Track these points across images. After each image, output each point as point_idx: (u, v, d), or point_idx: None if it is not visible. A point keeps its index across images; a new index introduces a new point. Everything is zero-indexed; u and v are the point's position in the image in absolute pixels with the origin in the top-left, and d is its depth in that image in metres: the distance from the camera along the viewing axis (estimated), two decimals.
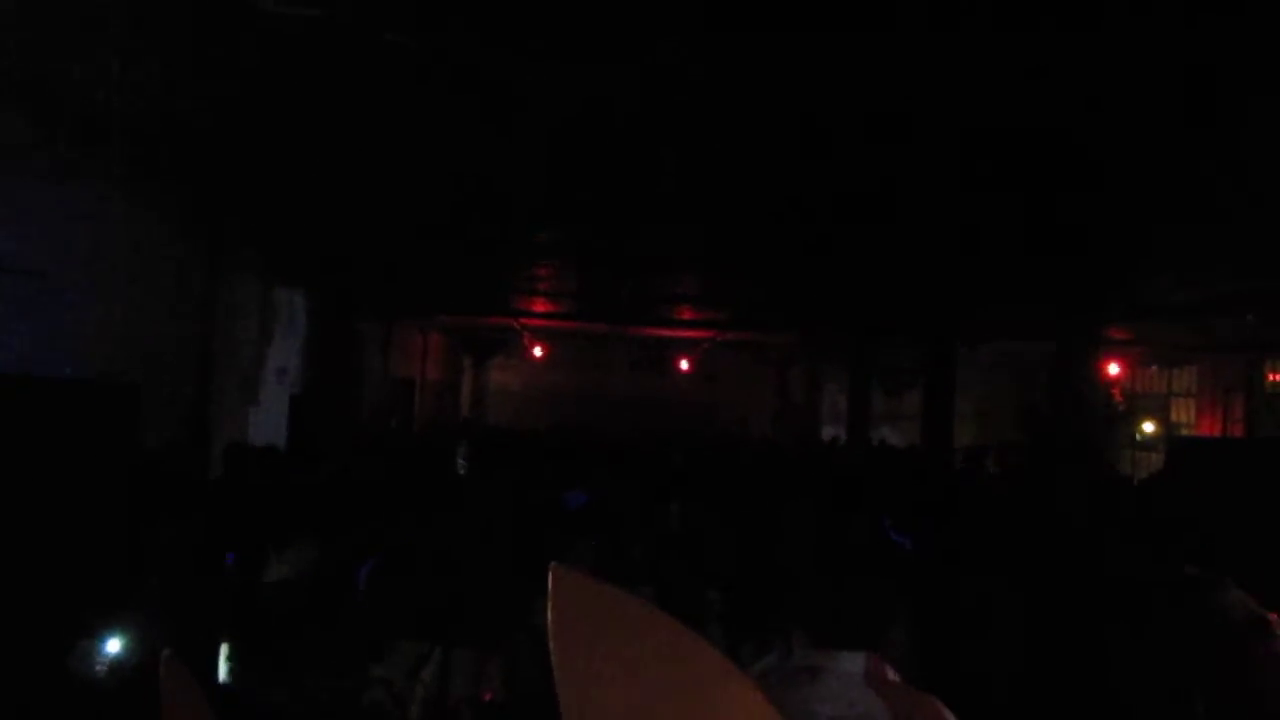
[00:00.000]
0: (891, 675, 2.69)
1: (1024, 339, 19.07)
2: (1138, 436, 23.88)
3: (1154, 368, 23.72)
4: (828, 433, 25.49)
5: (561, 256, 13.94)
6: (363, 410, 17.42)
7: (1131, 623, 4.35)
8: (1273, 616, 4.33)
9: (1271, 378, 20.83)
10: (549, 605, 0.64)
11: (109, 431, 5.84)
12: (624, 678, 0.64)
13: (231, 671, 4.84)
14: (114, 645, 4.74)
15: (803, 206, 9.73)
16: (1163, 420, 23.47)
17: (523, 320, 21.77)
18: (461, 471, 9.10)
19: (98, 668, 4.63)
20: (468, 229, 11.49)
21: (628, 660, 0.64)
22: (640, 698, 0.63)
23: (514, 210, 10.51)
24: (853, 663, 2.79)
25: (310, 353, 15.46)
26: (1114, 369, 21.14)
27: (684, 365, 26.39)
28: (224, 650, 4.88)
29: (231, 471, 8.51)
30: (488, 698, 4.74)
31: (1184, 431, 22.43)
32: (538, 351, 25.40)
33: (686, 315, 20.30)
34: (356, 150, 8.19)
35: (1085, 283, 13.13)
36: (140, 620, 4.76)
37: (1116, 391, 23.20)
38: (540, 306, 20.00)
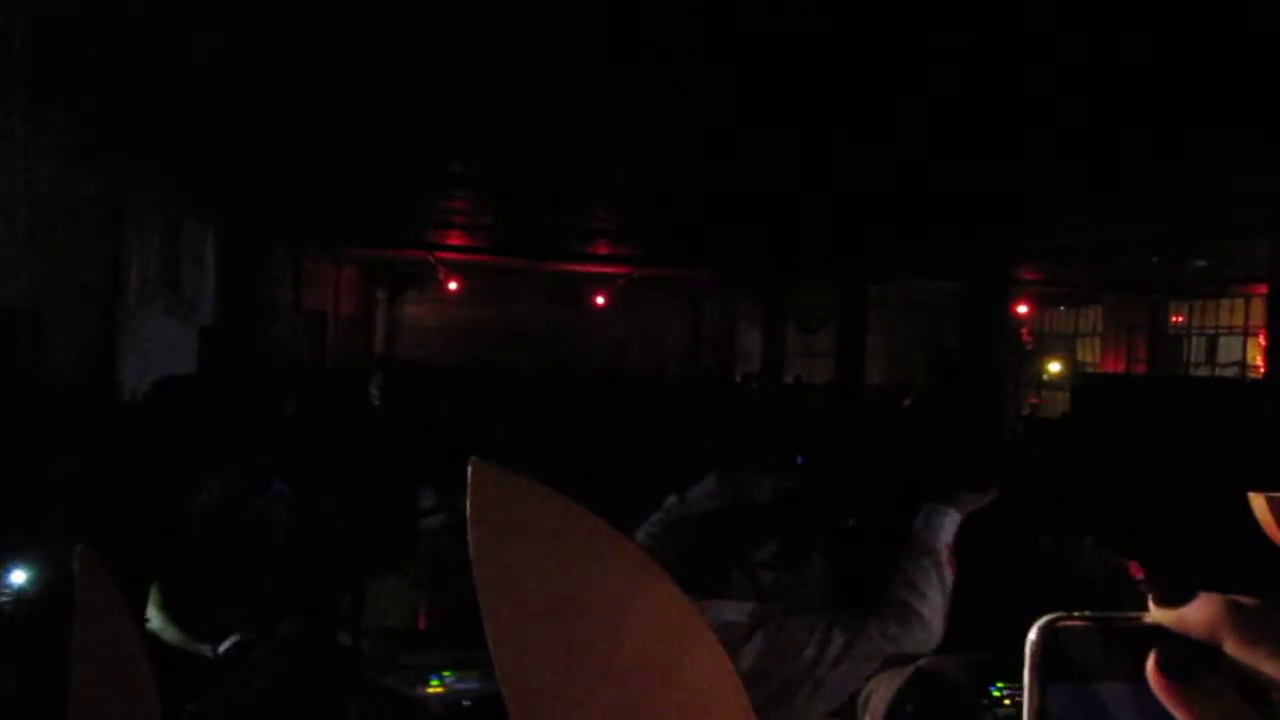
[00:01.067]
0: None
1: (935, 278, 19.31)
2: (1044, 375, 24.37)
3: (1061, 308, 24.17)
4: (743, 369, 25.67)
5: (476, 188, 13.81)
6: (273, 343, 17.19)
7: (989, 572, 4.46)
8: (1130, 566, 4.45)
9: (1173, 319, 21.34)
10: (468, 498, 0.64)
11: (8, 360, 5.72)
12: (543, 569, 0.64)
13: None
14: (18, 577, 4.66)
15: (719, 142, 9.72)
16: (1069, 359, 23.97)
17: (437, 253, 21.57)
18: (375, 402, 9.05)
19: (2, 598, 4.56)
20: (378, 157, 11.33)
21: (547, 552, 0.64)
22: (559, 589, 0.64)
23: (425, 139, 10.38)
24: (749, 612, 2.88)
25: (219, 284, 15.20)
26: (1023, 309, 21.51)
27: (599, 300, 26.36)
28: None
29: (148, 403, 8.39)
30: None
31: (1090, 370, 22.93)
32: (452, 285, 25.20)
33: (603, 250, 20.26)
34: (257, 70, 8.00)
35: (994, 223, 13.30)
36: (44, 554, 4.68)
37: (1025, 331, 23.62)
38: (455, 239, 19.83)
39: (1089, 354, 23.46)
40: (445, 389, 11.56)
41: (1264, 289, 16.49)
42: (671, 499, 3.82)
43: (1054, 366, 24.12)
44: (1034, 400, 22.76)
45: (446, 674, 4.10)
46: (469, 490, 0.62)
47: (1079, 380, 17.79)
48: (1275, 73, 6.81)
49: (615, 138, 9.90)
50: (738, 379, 23.17)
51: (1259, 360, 17.85)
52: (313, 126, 9.87)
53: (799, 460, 8.15)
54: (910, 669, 2.49)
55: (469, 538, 0.61)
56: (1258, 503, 0.66)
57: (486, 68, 7.71)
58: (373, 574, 5.10)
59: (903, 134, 8.93)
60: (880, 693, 2.49)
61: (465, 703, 3.94)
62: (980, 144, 9.12)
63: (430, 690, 4.00)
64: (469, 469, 0.63)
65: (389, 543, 5.41)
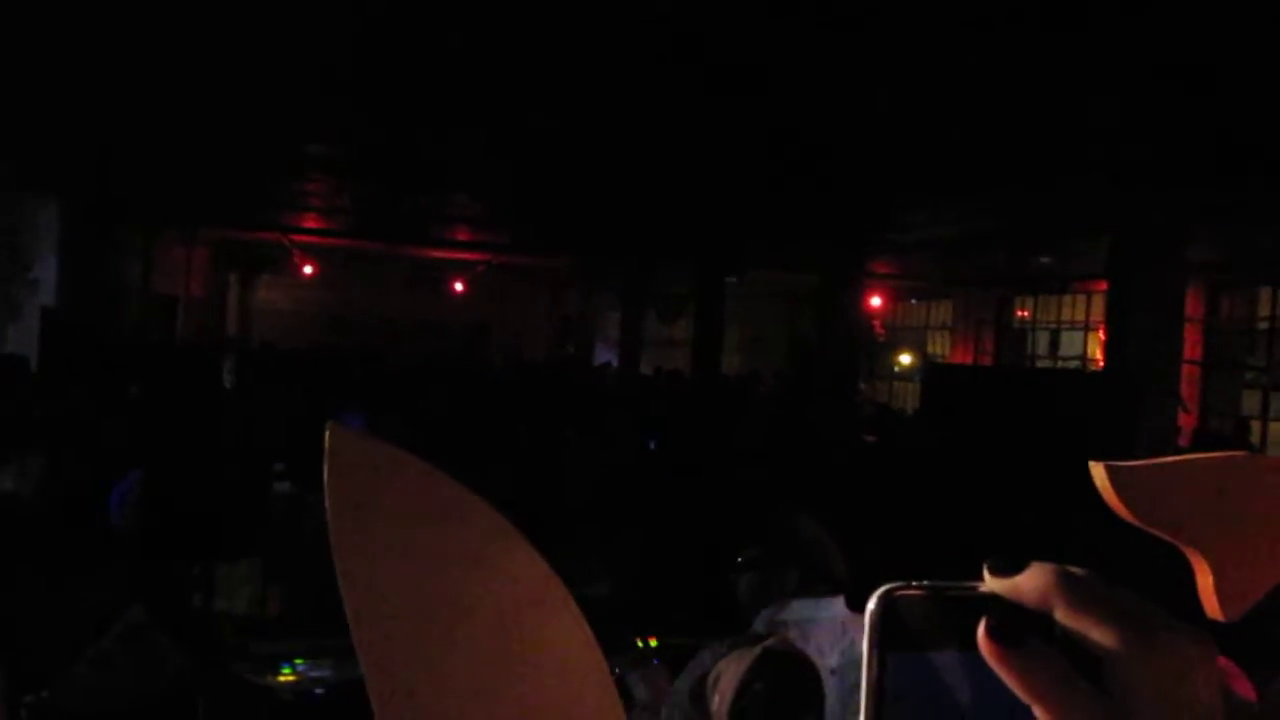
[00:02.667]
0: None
1: (791, 269, 19.59)
2: (896, 368, 24.92)
3: (913, 301, 24.74)
4: (601, 356, 25.73)
5: (333, 170, 13.58)
6: (121, 326, 16.67)
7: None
8: None
9: (1018, 313, 22.02)
10: (325, 464, 0.63)
11: None
12: (401, 534, 0.64)
13: None
14: None
15: (578, 129, 9.73)
16: (921, 351, 24.55)
17: (293, 236, 21.16)
18: (229, 385, 8.85)
19: None
20: (232, 135, 11.06)
21: (407, 518, 0.64)
22: (418, 553, 0.64)
23: (282, 119, 10.18)
24: (837, 607, 2.92)
25: (66, 265, 14.68)
26: (875, 301, 21.95)
27: (458, 287, 26.16)
28: None
29: None
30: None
31: (939, 361, 23.55)
32: (308, 269, 24.75)
33: (463, 236, 20.11)
34: (110, 41, 7.75)
35: (847, 216, 13.55)
36: None
37: (878, 323, 24.13)
38: (311, 222, 19.48)
39: (939, 347, 24.06)
40: (298, 373, 11.37)
41: (1104, 285, 17.11)
42: None
43: (905, 359, 24.69)
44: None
45: (299, 661, 4.04)
46: (326, 455, 0.62)
47: (929, 370, 18.25)
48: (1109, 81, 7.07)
49: (473, 122, 9.83)
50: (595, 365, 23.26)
51: (1099, 354, 18.50)
52: (166, 102, 9.59)
53: (650, 444, 8.23)
54: (758, 649, 2.54)
55: (326, 502, 0.60)
56: (1097, 471, 0.69)
57: (345, 47, 7.60)
58: (222, 559, 4.99)
59: (760, 125, 9.04)
60: (730, 672, 2.53)
61: (318, 690, 3.89)
62: (836, 137, 9.29)
63: (282, 679, 3.94)
64: (326, 434, 0.63)
65: (238, 526, 5.31)
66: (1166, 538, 0.69)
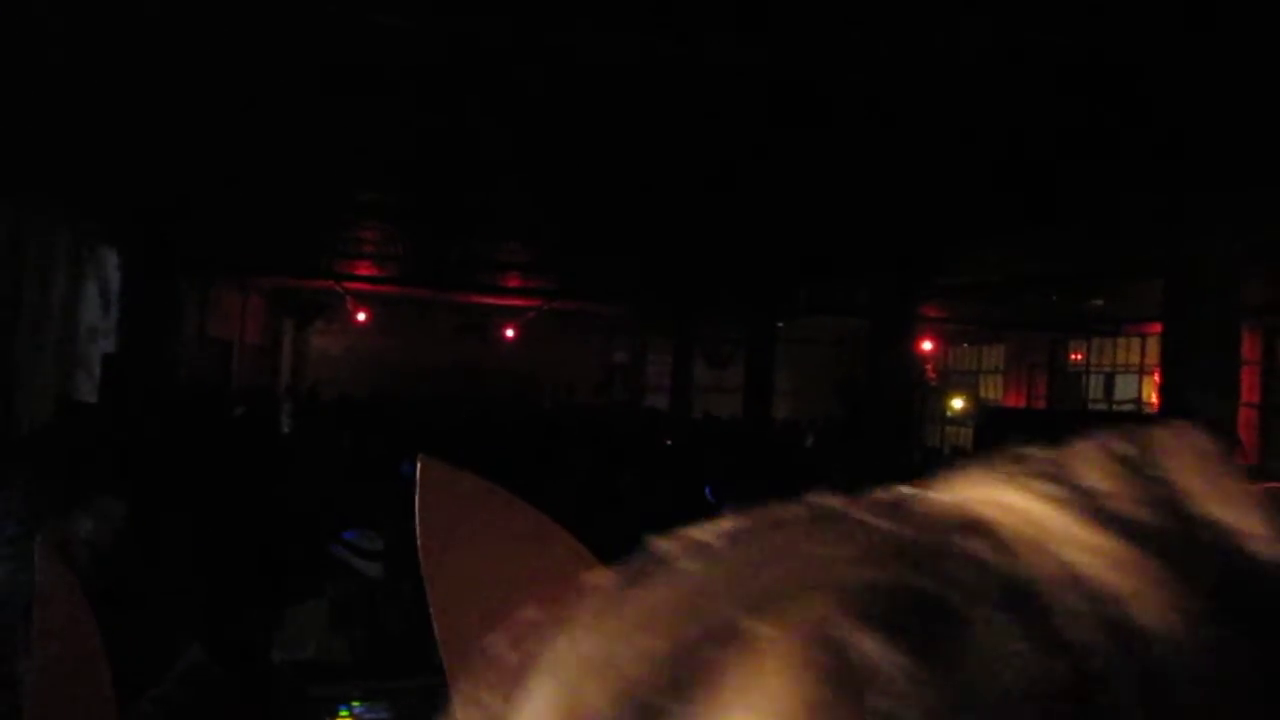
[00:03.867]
0: None
1: (842, 315, 19.57)
2: (948, 411, 24.76)
3: (965, 345, 24.60)
4: (651, 402, 25.74)
5: (386, 218, 13.75)
6: (178, 371, 16.89)
7: None
8: None
9: (1072, 356, 21.84)
10: (416, 492, 0.66)
11: None
12: (488, 562, 0.66)
13: None
14: None
15: (630, 179, 9.80)
16: (973, 395, 24.39)
17: (346, 283, 21.39)
18: (287, 429, 8.94)
19: None
20: (287, 185, 11.24)
21: (492, 545, 0.67)
22: (504, 581, 0.66)
23: (335, 168, 10.33)
24: None
25: (124, 311, 14.92)
26: (927, 345, 21.86)
27: (509, 333, 26.29)
28: None
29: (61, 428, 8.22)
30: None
31: (993, 404, 23.39)
32: (361, 316, 24.99)
33: (513, 283, 20.25)
34: (165, 96, 7.92)
35: (898, 260, 13.53)
36: None
37: (930, 367, 24.00)
38: (364, 270, 19.70)
39: (992, 390, 23.90)
40: (355, 419, 11.46)
41: (1158, 328, 16.95)
42: None
43: (957, 403, 24.52)
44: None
45: (355, 704, 4.06)
46: (418, 487, 0.65)
47: (983, 414, 18.12)
48: (1161, 124, 7.05)
49: (526, 171, 9.93)
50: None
51: (1154, 397, 18.30)
52: (221, 154, 9.77)
53: (709, 493, 8.20)
54: None
55: (417, 530, 0.63)
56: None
57: (398, 96, 7.71)
58: (284, 604, 5.03)
59: (810, 174, 9.07)
60: None
61: None
62: (885, 183, 9.30)
63: None
64: (418, 466, 0.65)
65: (300, 572, 5.35)
66: None
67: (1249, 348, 15.64)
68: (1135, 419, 17.11)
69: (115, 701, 0.98)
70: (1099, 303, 17.00)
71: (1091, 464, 0.34)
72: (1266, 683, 0.27)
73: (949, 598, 0.28)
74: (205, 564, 5.22)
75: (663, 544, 0.34)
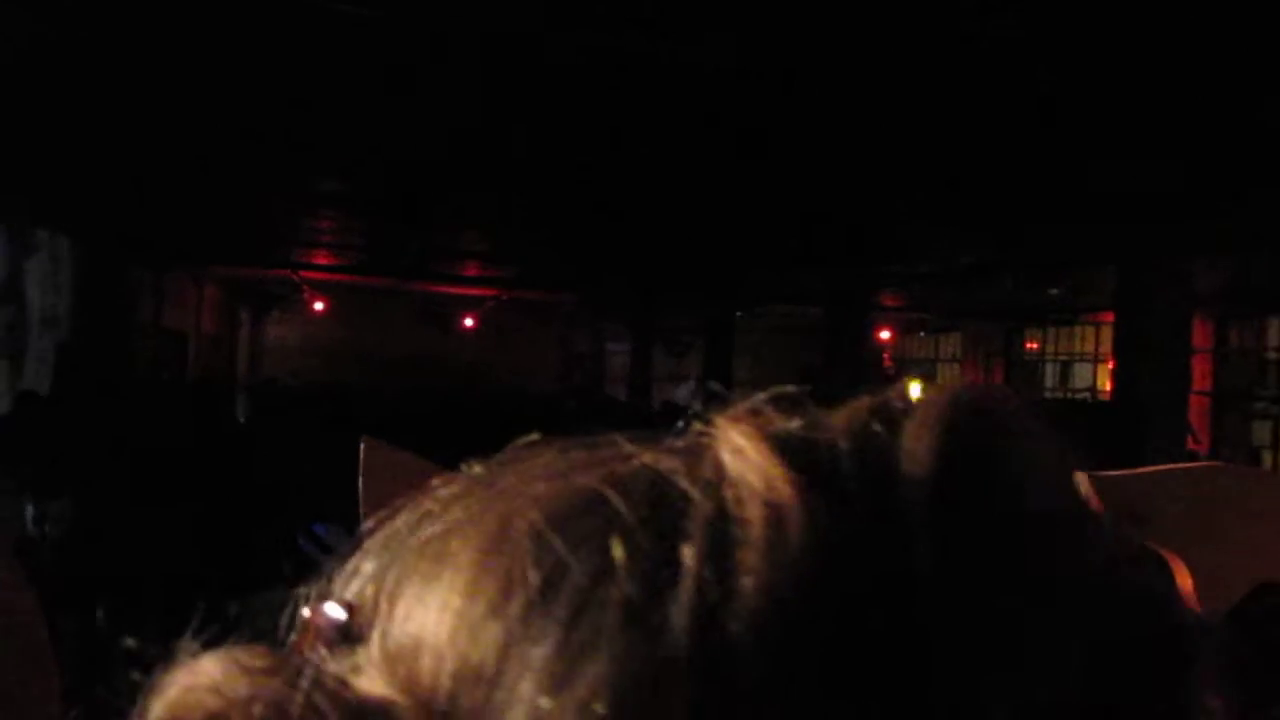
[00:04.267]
0: None
1: (800, 304, 19.66)
2: None
3: (921, 334, 24.77)
4: (612, 390, 25.76)
5: (344, 208, 13.68)
6: (133, 362, 16.76)
7: None
8: None
9: (1027, 345, 22.03)
10: (360, 476, 0.67)
11: None
12: None
13: None
14: None
15: (586, 168, 9.81)
16: (930, 384, 24.53)
17: (303, 273, 21.27)
18: (243, 420, 8.89)
19: None
20: (243, 174, 11.16)
21: None
22: None
23: (293, 157, 10.27)
24: None
25: (78, 301, 14.79)
26: (884, 334, 21.99)
27: (468, 322, 26.25)
28: None
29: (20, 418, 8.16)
30: None
31: None
32: (318, 306, 24.86)
33: (472, 272, 20.20)
34: (121, 81, 7.84)
35: (853, 249, 13.61)
36: None
37: (887, 356, 24.15)
38: (322, 259, 19.59)
39: (948, 379, 24.07)
40: (307, 409, 11.43)
41: (1112, 317, 17.13)
42: None
43: (914, 390, 24.68)
44: None
45: None
46: (361, 471, 0.66)
47: None
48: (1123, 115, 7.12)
49: (485, 161, 9.91)
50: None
51: (1109, 385, 18.52)
52: (177, 140, 9.69)
53: None
54: None
55: (360, 506, 0.64)
56: (1080, 480, 0.74)
57: (357, 87, 7.68)
58: (252, 591, 5.02)
59: (766, 163, 9.11)
60: None
61: None
62: (839, 173, 9.35)
63: None
64: (361, 449, 0.67)
65: (263, 560, 5.34)
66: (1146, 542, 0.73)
67: (1200, 336, 15.84)
68: (1088, 408, 17.31)
69: (61, 700, 0.99)
70: (1055, 291, 17.16)
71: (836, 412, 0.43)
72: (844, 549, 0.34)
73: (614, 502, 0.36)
74: (165, 554, 5.21)
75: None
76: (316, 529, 5.65)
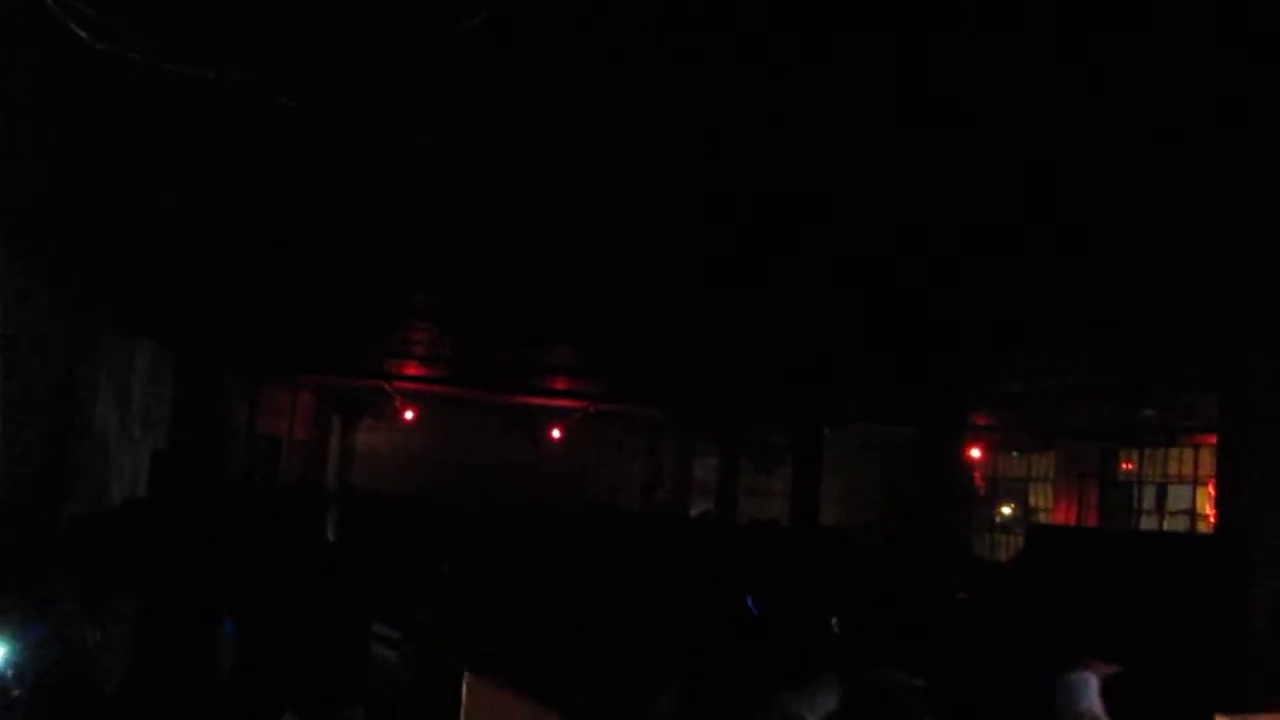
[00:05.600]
0: None
1: (889, 422, 19.46)
2: (997, 519, 24.44)
3: (1014, 453, 24.35)
4: (697, 506, 25.59)
5: (436, 320, 13.86)
6: (228, 468, 17.02)
7: None
8: None
9: (1124, 465, 21.54)
10: (463, 712, 0.64)
11: None
12: None
13: None
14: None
15: (677, 288, 9.86)
16: (1021, 504, 24.08)
17: (394, 382, 21.54)
18: (331, 537, 8.93)
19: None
20: (338, 287, 11.36)
21: None
22: None
23: (387, 271, 10.44)
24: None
25: (176, 409, 15.09)
26: (976, 453, 21.64)
27: (555, 434, 26.33)
28: None
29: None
30: None
31: (1042, 515, 23.04)
32: (409, 414, 25.11)
33: (560, 385, 20.30)
34: (220, 199, 8.03)
35: (948, 370, 13.47)
36: None
37: (978, 475, 23.75)
38: (412, 370, 19.81)
39: (1041, 499, 23.58)
40: (399, 524, 11.47)
41: (1212, 439, 16.71)
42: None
43: (1006, 510, 24.25)
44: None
45: None
46: (464, 707, 0.63)
47: (1030, 533, 17.88)
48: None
49: (578, 279, 10.00)
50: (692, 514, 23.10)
51: (1208, 509, 18.00)
52: (274, 252, 9.89)
53: (750, 603, 8.10)
54: None
55: None
56: None
57: (450, 203, 7.80)
58: (326, 712, 5.00)
59: (855, 281, 9.08)
60: None
61: None
62: (931, 292, 9.29)
63: None
64: (464, 685, 0.64)
65: (342, 678, 5.32)
66: None
67: None
68: (1176, 538, 16.83)
69: None
70: (1150, 413, 16.81)
71: None
72: None
73: None
74: (247, 671, 5.20)
75: None
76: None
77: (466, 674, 0.59)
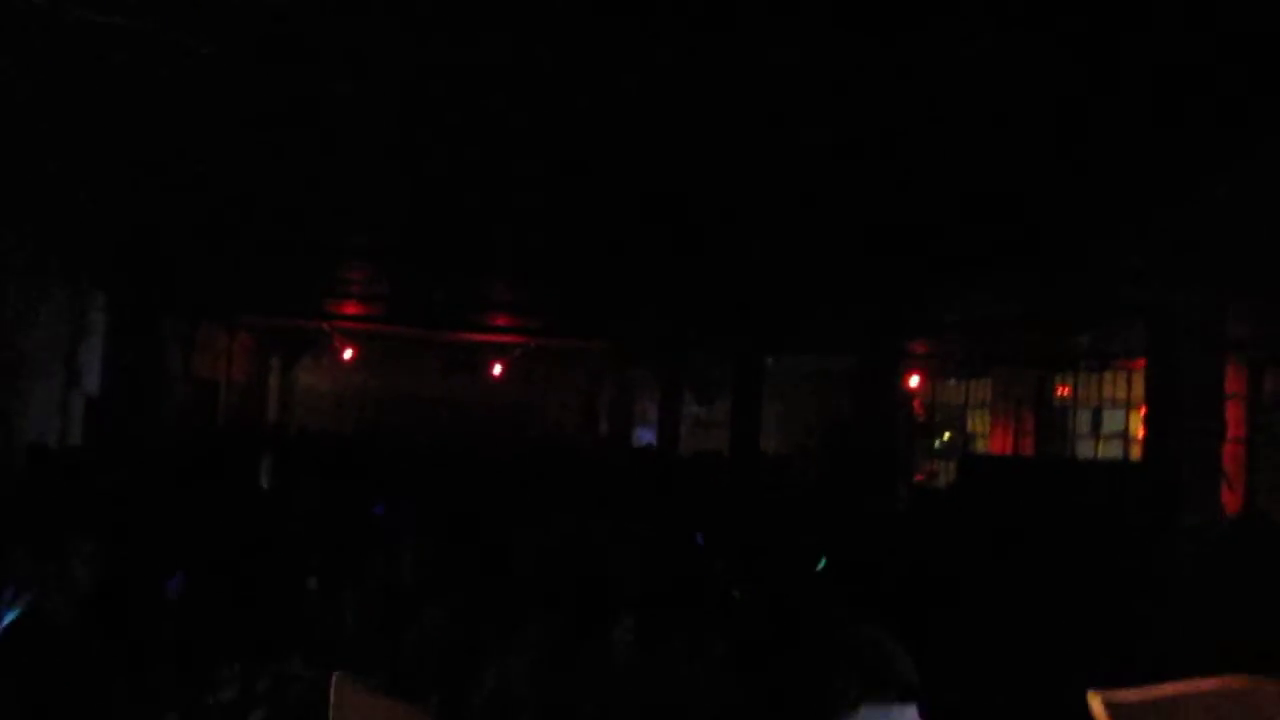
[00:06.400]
0: None
1: (829, 351, 19.57)
2: (936, 446, 24.74)
3: (952, 380, 24.60)
4: (641, 437, 25.72)
5: (373, 259, 13.75)
6: (163, 412, 16.80)
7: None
8: None
9: (1059, 391, 21.84)
10: (331, 714, 0.64)
11: None
12: None
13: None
14: None
15: (615, 218, 9.81)
16: (960, 430, 24.38)
17: (333, 322, 21.36)
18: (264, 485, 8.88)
19: None
20: (274, 227, 11.23)
21: None
22: None
23: (322, 211, 10.33)
24: (909, 714, 2.92)
25: (108, 353, 14.85)
26: (914, 380, 21.83)
27: (497, 370, 26.27)
28: None
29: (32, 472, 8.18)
30: None
31: (980, 441, 23.35)
32: (348, 354, 24.94)
33: (500, 321, 20.23)
34: (155, 136, 7.89)
35: (884, 297, 13.55)
36: None
37: (916, 402, 23.98)
38: (352, 309, 19.66)
39: (979, 424, 23.87)
40: (332, 461, 11.44)
41: (1144, 363, 17.00)
42: None
43: (945, 436, 24.55)
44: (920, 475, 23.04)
45: None
46: (331, 708, 0.63)
47: (963, 462, 18.11)
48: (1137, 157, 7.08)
49: (511, 210, 9.92)
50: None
51: (1140, 431, 18.32)
52: (209, 195, 9.75)
53: (699, 540, 8.15)
54: None
55: None
56: (1094, 703, 0.70)
57: (383, 140, 7.71)
58: (266, 657, 4.99)
59: (795, 211, 9.08)
60: None
61: None
62: (869, 220, 9.31)
63: None
64: (333, 686, 0.63)
65: (280, 623, 5.31)
66: None
67: (1234, 381, 15.65)
68: (1118, 466, 17.12)
69: None
70: (1084, 339, 17.03)
71: None
72: None
73: None
74: (185, 611, 5.19)
75: None
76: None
77: (335, 674, 0.59)
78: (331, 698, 0.58)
